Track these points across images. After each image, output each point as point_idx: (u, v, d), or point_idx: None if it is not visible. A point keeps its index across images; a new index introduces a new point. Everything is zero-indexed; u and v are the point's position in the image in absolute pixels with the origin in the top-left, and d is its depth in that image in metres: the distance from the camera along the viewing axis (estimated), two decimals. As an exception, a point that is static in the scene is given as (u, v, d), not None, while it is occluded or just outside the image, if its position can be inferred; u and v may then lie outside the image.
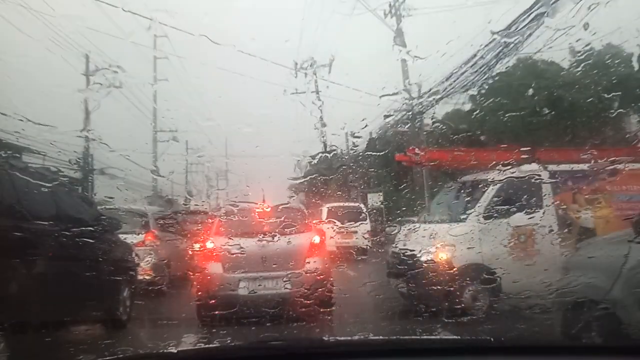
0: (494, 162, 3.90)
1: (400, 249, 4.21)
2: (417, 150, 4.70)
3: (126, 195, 3.94)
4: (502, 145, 3.97)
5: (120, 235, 3.98)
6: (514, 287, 3.46)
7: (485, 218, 3.99)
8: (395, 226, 4.30)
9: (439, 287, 3.50)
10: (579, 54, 4.43)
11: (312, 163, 4.86)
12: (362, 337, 2.37)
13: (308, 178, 4.53)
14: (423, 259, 3.90)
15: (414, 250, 4.01)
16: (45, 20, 3.90)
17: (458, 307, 3.31)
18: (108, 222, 3.64)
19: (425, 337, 2.37)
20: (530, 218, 3.91)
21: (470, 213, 4.08)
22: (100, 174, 3.94)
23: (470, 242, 3.82)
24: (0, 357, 2.38)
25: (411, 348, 1.57)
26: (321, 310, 3.41)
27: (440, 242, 3.97)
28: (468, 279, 3.67)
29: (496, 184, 4.03)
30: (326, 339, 1.80)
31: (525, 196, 3.97)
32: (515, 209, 3.92)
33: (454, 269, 3.74)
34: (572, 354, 1.47)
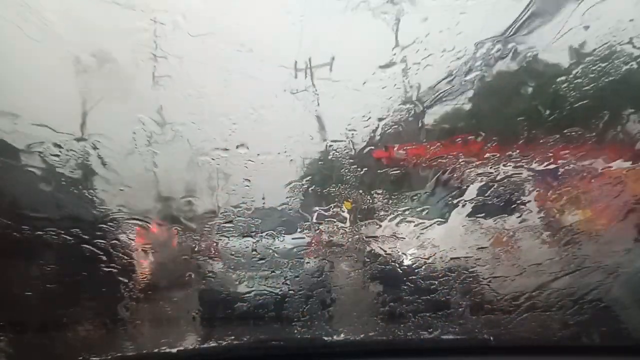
0: (480, 160, 3.86)
1: (379, 249, 4.15)
2: (396, 147, 4.66)
3: (126, 194, 3.93)
4: (489, 143, 3.94)
5: (121, 235, 3.98)
6: (500, 287, 3.43)
7: (469, 217, 3.93)
8: (378, 226, 4.27)
9: (418, 288, 3.47)
10: (579, 54, 4.42)
11: (312, 163, 4.86)
12: (362, 337, 2.37)
13: (308, 178, 4.52)
14: (402, 259, 3.85)
15: (392, 250, 3.96)
16: (45, 19, 3.92)
17: (440, 309, 3.27)
18: (108, 222, 3.64)
19: (425, 337, 2.36)
20: (515, 216, 3.88)
21: (453, 211, 4.04)
22: (100, 174, 3.92)
23: (453, 241, 3.79)
24: (0, 357, 2.39)
25: (411, 348, 1.57)
26: (321, 310, 3.42)
27: (421, 241, 3.92)
28: (450, 279, 3.63)
29: (481, 182, 3.98)
30: (326, 339, 1.80)
31: (511, 194, 3.93)
32: (499, 207, 3.88)
33: (436, 270, 3.70)
34: (572, 354, 1.47)
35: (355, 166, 4.27)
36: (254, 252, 3.89)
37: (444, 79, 4.62)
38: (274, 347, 1.50)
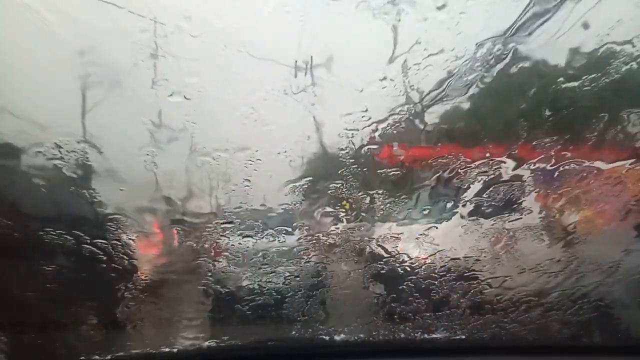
0: (481, 160, 3.86)
1: (379, 249, 4.15)
2: (398, 147, 4.65)
3: (126, 194, 3.94)
4: (489, 143, 3.94)
5: (121, 235, 3.98)
6: (500, 287, 3.43)
7: (469, 216, 3.93)
8: (378, 226, 4.28)
9: (418, 288, 3.47)
10: (579, 54, 4.43)
11: (311, 163, 4.86)
12: (362, 337, 2.36)
13: (307, 178, 4.53)
14: (402, 259, 3.86)
15: (392, 250, 3.96)
16: (44, 19, 3.91)
17: (440, 309, 3.28)
18: (108, 222, 3.64)
19: (424, 337, 2.36)
20: (515, 217, 3.87)
21: (453, 211, 4.04)
22: (100, 174, 3.92)
23: (453, 241, 3.79)
24: (0, 357, 2.39)
25: (411, 348, 1.57)
26: (321, 310, 3.42)
27: (421, 241, 3.92)
28: (450, 279, 3.63)
29: (481, 182, 3.98)
30: (326, 338, 1.79)
31: (511, 195, 3.93)
32: (499, 207, 3.88)
33: (436, 270, 3.70)
34: (572, 354, 1.47)
35: (355, 166, 4.27)
36: (254, 252, 3.90)
37: (444, 79, 4.63)
38: (274, 347, 1.50)
